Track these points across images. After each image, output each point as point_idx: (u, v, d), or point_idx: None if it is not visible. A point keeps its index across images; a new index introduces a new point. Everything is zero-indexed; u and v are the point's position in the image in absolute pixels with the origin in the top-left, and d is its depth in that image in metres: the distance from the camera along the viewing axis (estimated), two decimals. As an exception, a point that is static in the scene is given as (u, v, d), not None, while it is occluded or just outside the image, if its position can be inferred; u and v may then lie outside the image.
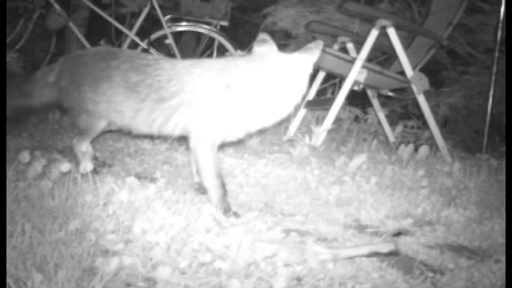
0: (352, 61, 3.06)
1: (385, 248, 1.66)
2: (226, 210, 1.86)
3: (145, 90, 1.96)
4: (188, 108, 1.93)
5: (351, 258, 1.60)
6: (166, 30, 4.63)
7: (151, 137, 2.83)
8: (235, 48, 4.58)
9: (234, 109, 1.90)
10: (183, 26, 4.80)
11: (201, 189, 2.09)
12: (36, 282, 1.18)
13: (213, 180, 1.91)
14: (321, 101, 3.65)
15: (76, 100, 2.12)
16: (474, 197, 2.39)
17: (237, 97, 1.89)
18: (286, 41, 5.10)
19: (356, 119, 4.01)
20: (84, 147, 2.23)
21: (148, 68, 2.00)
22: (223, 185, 1.93)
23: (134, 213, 1.62)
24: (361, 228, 1.95)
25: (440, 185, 2.54)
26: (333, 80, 4.73)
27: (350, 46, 3.64)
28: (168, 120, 1.97)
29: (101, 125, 2.16)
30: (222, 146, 2.27)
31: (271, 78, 1.89)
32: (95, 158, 2.39)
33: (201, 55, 4.98)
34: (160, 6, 4.64)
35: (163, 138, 2.81)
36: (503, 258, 1.68)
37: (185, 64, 2.02)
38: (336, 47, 3.55)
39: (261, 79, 1.89)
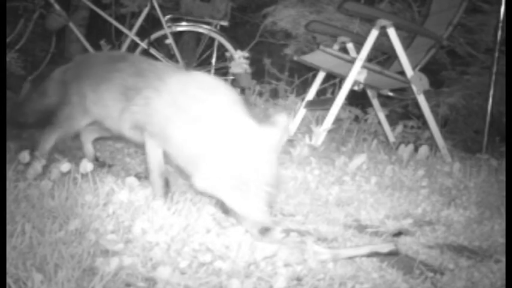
0: (352, 61, 3.06)
1: (385, 248, 1.66)
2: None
3: (133, 92, 1.91)
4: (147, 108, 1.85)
5: (350, 258, 1.60)
6: (166, 30, 4.63)
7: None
8: (235, 48, 4.58)
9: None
10: (183, 26, 4.80)
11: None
12: (36, 282, 1.17)
13: None
14: (321, 101, 3.65)
15: (70, 91, 2.12)
16: (474, 197, 2.39)
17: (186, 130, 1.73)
18: (286, 41, 5.11)
19: (356, 119, 4.02)
20: (52, 140, 2.20)
21: (150, 74, 1.93)
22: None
23: (134, 213, 1.62)
24: (361, 228, 1.95)
25: (440, 185, 2.54)
26: (333, 80, 4.73)
27: (350, 46, 3.64)
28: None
29: (80, 124, 2.16)
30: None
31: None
32: (95, 159, 2.39)
33: (201, 55, 4.98)
34: (160, 6, 4.64)
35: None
36: (503, 258, 1.68)
37: (179, 75, 1.91)
38: (336, 47, 3.55)
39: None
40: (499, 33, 3.60)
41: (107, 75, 2.04)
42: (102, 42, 4.83)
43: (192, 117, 1.71)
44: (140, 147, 2.80)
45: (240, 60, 4.34)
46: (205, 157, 1.63)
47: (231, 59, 4.52)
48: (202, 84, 1.83)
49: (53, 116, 2.19)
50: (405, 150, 2.89)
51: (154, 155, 1.91)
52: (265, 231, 1.54)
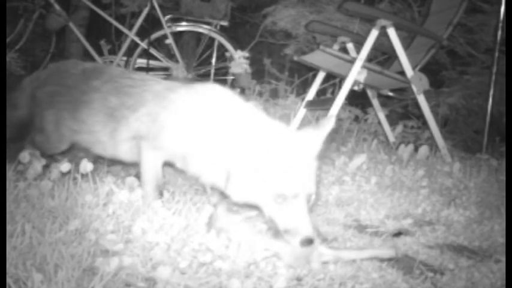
0: (352, 61, 3.06)
1: (386, 254, 1.64)
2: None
3: (126, 111, 1.83)
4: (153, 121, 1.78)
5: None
6: (166, 30, 4.63)
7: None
8: (235, 48, 4.58)
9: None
10: (183, 26, 4.80)
11: (201, 190, 2.09)
12: (36, 282, 1.18)
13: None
14: (321, 101, 3.65)
15: (44, 119, 2.00)
16: (474, 197, 2.39)
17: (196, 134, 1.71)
18: (286, 41, 5.11)
19: (356, 119, 4.02)
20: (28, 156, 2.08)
21: (131, 90, 1.84)
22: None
23: (134, 213, 1.62)
24: (361, 228, 1.95)
25: (440, 185, 2.54)
26: (333, 80, 4.73)
27: (350, 46, 3.64)
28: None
29: (60, 148, 2.06)
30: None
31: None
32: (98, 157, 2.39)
33: (201, 55, 4.99)
34: (160, 6, 4.64)
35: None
36: (503, 258, 1.68)
37: (168, 86, 1.87)
38: (336, 47, 3.54)
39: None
40: (499, 33, 3.60)
41: (84, 97, 1.91)
42: (102, 42, 4.83)
43: (217, 132, 1.63)
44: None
45: (240, 60, 4.34)
46: (239, 170, 1.54)
47: (231, 59, 4.52)
48: (214, 96, 1.75)
49: (29, 130, 2.08)
50: (405, 150, 2.89)
51: (153, 166, 1.84)
52: (306, 242, 1.45)
